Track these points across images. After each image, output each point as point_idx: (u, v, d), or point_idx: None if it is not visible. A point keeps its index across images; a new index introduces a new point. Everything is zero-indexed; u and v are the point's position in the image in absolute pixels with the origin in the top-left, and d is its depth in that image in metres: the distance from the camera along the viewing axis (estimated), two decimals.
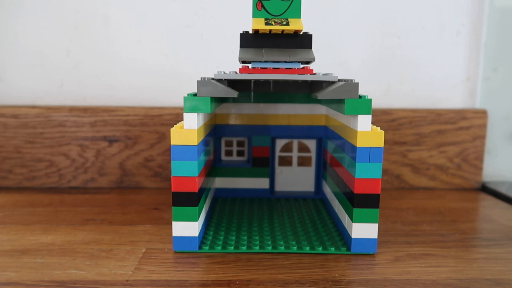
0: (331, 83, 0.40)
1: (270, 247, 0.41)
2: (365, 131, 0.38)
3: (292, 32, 0.42)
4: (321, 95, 0.39)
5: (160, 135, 0.63)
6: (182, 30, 0.64)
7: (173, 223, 0.39)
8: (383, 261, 0.39)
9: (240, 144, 0.58)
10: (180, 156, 0.38)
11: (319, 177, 0.57)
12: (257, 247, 0.40)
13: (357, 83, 0.38)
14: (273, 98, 0.56)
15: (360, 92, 0.41)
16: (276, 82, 0.54)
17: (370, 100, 0.38)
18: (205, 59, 0.64)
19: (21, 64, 0.64)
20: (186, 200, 0.39)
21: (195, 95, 0.39)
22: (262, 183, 0.57)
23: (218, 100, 0.46)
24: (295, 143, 0.57)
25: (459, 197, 0.61)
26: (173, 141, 0.38)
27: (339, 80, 0.39)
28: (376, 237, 0.40)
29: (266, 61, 0.40)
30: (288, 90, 0.55)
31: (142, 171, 0.63)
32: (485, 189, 0.65)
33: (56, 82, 0.65)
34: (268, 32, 0.42)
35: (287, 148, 0.58)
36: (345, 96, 0.38)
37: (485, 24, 0.65)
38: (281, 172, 0.58)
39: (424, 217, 0.52)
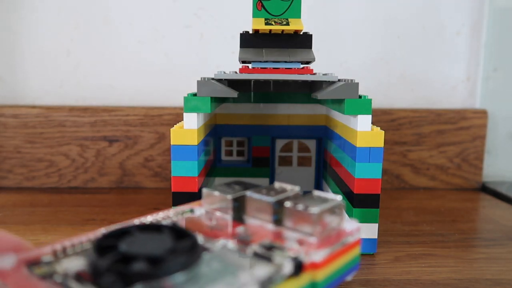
0: (331, 83, 0.40)
1: None
2: (365, 131, 0.38)
3: (292, 32, 0.42)
4: (321, 95, 0.39)
5: (160, 135, 0.63)
6: (182, 30, 0.64)
7: None
8: (383, 261, 0.39)
9: (240, 144, 0.58)
10: (180, 156, 0.38)
11: (319, 177, 0.57)
12: None
13: (357, 83, 0.38)
14: (273, 98, 0.56)
15: (360, 92, 0.41)
16: (276, 82, 0.54)
17: (370, 100, 0.38)
18: (205, 59, 0.64)
19: (21, 64, 0.64)
20: (186, 200, 0.39)
21: (195, 95, 0.39)
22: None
23: (218, 100, 0.46)
24: (295, 143, 0.57)
25: (459, 197, 0.61)
26: (173, 141, 0.38)
27: (339, 80, 0.39)
28: (376, 237, 0.40)
29: (266, 61, 0.40)
30: (288, 90, 0.55)
31: (142, 171, 0.63)
32: (485, 189, 0.65)
33: (56, 82, 0.65)
34: (268, 32, 0.42)
35: (287, 148, 0.58)
36: (345, 96, 0.38)
37: (485, 24, 0.65)
38: (281, 172, 0.58)
39: (424, 217, 0.52)
